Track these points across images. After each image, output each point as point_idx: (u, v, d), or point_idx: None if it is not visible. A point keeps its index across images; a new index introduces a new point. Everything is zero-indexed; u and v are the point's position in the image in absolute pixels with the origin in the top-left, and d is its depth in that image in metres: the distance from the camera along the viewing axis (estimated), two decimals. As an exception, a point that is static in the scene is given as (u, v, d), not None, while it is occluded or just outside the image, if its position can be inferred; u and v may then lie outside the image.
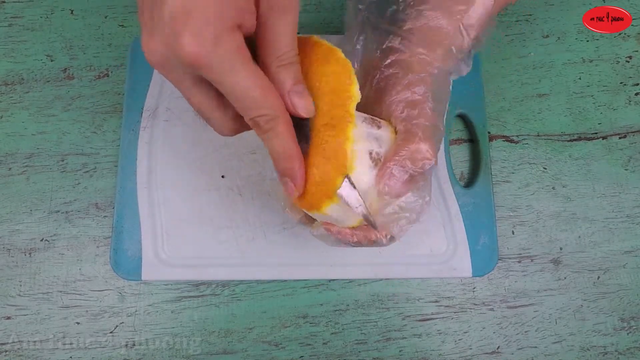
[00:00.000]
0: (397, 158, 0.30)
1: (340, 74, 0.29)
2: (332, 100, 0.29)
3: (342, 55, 0.30)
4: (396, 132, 0.32)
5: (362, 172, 0.30)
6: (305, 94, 0.28)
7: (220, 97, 0.27)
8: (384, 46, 0.34)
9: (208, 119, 0.29)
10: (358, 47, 0.36)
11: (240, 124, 0.29)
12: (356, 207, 0.29)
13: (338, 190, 0.28)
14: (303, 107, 0.28)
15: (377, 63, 0.34)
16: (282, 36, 0.26)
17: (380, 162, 0.31)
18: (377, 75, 0.34)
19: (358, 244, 0.32)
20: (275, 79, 0.27)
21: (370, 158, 0.30)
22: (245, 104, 0.26)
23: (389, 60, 0.33)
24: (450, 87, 0.34)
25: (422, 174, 0.31)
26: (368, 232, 0.32)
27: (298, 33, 0.43)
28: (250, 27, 0.26)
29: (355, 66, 0.36)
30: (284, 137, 0.28)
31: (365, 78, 0.35)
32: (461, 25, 0.33)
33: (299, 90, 0.28)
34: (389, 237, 0.32)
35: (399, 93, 0.32)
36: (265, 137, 0.28)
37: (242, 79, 0.25)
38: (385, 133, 0.31)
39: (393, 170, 0.30)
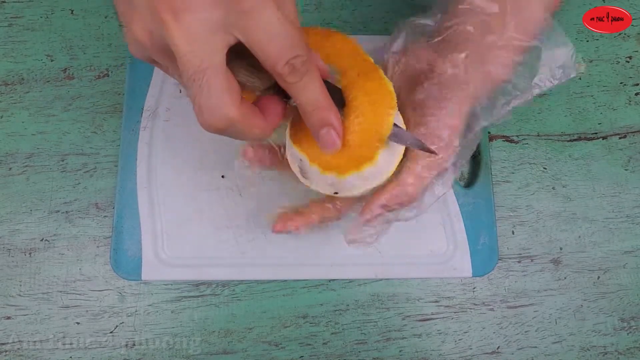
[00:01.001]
0: (384, 198, 0.33)
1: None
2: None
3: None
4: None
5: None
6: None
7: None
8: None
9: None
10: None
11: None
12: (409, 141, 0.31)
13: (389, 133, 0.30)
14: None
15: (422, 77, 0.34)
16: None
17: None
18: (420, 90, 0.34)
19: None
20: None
21: None
22: (280, 44, 0.24)
23: (450, 70, 0.33)
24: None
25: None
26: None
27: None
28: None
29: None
30: (321, 83, 0.27)
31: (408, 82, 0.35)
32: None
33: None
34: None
35: (438, 127, 0.32)
36: (301, 85, 0.26)
37: (274, 19, 0.23)
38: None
39: (373, 209, 0.33)
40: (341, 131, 0.29)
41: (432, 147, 0.31)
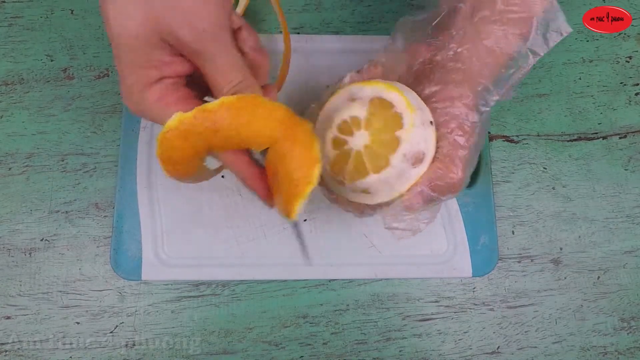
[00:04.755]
0: (430, 183, 0.32)
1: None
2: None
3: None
4: (437, 142, 0.32)
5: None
6: None
7: None
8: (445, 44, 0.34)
9: None
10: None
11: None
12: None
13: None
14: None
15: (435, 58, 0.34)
16: (220, 71, 0.27)
17: (419, 159, 0.31)
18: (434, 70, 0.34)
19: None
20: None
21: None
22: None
23: (451, 53, 0.33)
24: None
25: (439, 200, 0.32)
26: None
27: (298, 33, 0.44)
28: (182, 71, 0.28)
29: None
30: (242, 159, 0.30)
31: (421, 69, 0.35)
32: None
33: None
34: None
35: (453, 106, 0.32)
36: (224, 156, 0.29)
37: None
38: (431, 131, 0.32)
39: (422, 191, 0.32)
40: (266, 194, 0.30)
41: (456, 132, 0.32)
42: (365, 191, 0.33)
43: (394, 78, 0.35)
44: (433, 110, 0.32)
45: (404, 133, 0.31)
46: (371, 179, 0.31)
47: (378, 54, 0.36)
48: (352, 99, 0.33)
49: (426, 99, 0.33)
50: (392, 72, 0.36)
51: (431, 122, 0.32)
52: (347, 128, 0.33)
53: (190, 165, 0.29)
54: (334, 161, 0.33)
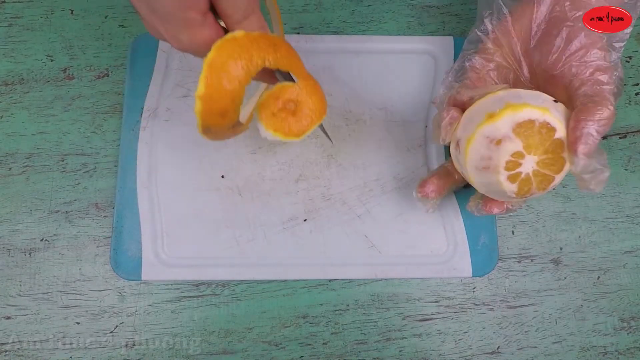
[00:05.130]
0: (593, 119, 0.31)
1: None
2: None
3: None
4: (575, 96, 0.33)
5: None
6: None
7: None
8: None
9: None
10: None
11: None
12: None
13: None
14: None
15: (564, 15, 0.34)
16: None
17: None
18: (561, 28, 0.34)
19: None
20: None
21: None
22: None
23: (579, 13, 0.34)
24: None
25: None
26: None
27: (298, 33, 0.45)
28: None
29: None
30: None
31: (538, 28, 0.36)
32: None
33: None
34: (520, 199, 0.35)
35: (588, 54, 0.32)
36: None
37: None
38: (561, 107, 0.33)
39: (590, 130, 0.31)
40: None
41: (597, 74, 0.32)
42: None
43: (507, 52, 0.37)
44: (569, 67, 0.33)
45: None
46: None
47: (477, 31, 0.39)
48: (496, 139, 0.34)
49: (558, 58, 0.34)
50: (505, 45, 0.37)
51: (555, 101, 0.33)
52: (514, 164, 0.33)
53: (230, 106, 0.31)
54: (519, 190, 0.34)
